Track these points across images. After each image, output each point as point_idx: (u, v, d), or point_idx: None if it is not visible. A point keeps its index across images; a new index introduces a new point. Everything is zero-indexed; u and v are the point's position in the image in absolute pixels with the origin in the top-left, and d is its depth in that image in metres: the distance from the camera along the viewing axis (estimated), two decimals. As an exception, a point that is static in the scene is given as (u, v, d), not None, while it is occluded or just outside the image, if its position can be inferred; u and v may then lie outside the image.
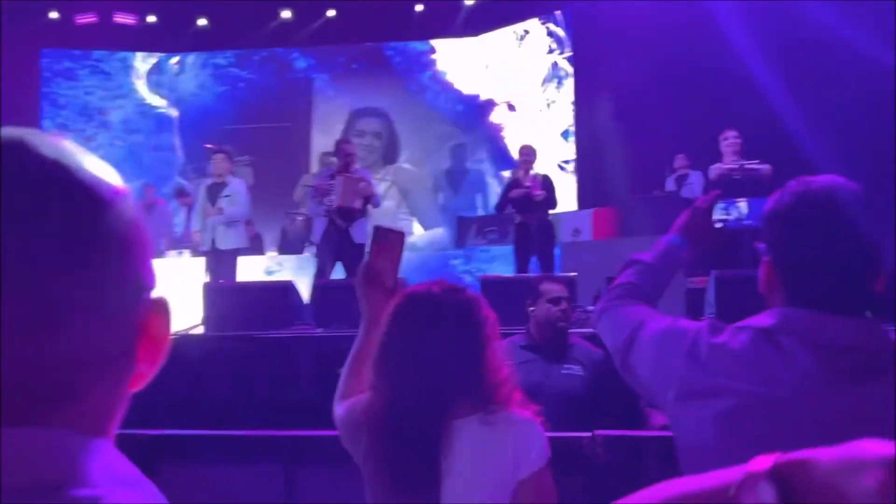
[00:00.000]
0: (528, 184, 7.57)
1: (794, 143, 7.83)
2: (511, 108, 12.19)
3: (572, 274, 5.32)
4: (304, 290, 6.51)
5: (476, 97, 12.57)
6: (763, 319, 1.43)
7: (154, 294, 0.61)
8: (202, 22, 12.70)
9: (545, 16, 11.69)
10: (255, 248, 9.96)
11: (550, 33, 11.73)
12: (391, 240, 1.84)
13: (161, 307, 0.61)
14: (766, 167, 6.75)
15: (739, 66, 8.56)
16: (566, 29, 11.51)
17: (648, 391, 1.58)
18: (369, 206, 7.38)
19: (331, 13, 12.47)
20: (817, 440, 0.70)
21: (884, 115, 7.41)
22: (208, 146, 8.71)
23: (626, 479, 2.37)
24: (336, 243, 7.23)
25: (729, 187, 6.21)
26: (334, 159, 7.78)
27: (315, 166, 11.64)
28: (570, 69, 11.42)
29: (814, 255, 1.41)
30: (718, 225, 1.77)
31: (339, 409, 1.84)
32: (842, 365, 1.34)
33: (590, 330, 4.25)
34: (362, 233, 7.31)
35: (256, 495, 2.82)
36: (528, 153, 7.76)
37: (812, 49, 8.06)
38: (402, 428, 1.70)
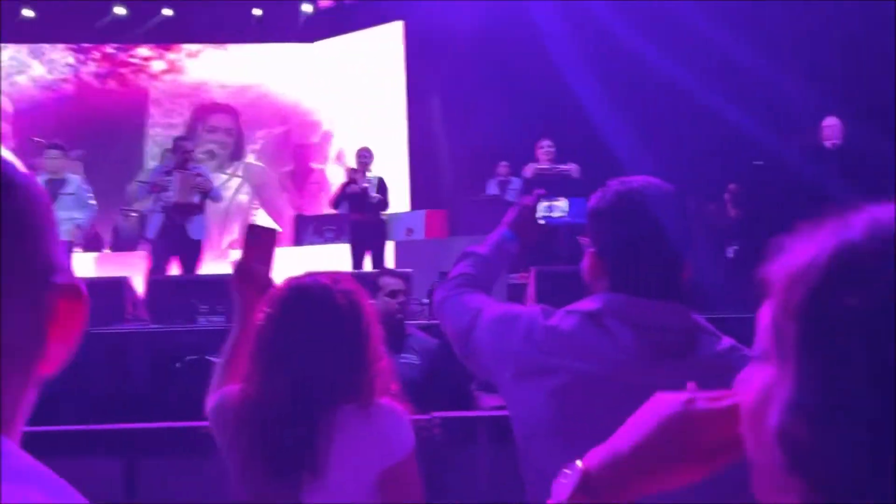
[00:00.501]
0: (364, 184, 7.64)
1: (608, 148, 8.26)
2: (343, 112, 12.14)
3: (408, 270, 5.38)
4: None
5: (313, 100, 12.43)
6: (589, 304, 1.51)
7: (66, 278, 0.57)
8: (28, 13, 11.77)
9: (380, 25, 11.72)
10: (94, 244, 9.38)
11: (385, 42, 11.77)
12: (264, 238, 1.81)
13: (73, 290, 0.57)
14: (574, 167, 7.36)
15: (560, 78, 8.92)
16: (401, 38, 11.59)
17: (488, 372, 1.62)
18: (208, 202, 7.16)
19: (167, 12, 11.90)
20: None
21: (685, 122, 8.00)
22: (37, 140, 8.08)
23: (461, 455, 2.42)
24: (173, 240, 6.95)
25: (547, 186, 6.57)
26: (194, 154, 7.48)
27: (149, 162, 11.10)
28: (403, 76, 11.51)
29: (632, 246, 1.50)
30: (542, 221, 1.86)
31: (210, 400, 1.76)
32: (657, 343, 1.43)
33: (425, 321, 4.31)
34: (200, 229, 7.08)
35: (94, 490, 2.65)
36: (365, 155, 7.83)
37: (625, 65, 8.55)
38: (282, 418, 1.63)
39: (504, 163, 8.83)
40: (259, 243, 1.80)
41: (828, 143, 6.64)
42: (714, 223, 7.34)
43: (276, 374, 1.65)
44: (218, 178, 9.67)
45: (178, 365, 4.07)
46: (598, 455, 0.72)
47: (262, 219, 11.22)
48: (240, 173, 12.27)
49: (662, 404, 0.71)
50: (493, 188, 8.55)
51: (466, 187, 9.17)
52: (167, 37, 12.19)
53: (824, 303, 0.50)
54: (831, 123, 6.67)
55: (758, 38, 7.84)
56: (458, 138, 9.97)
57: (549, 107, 8.71)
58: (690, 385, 0.73)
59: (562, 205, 1.90)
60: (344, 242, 8.18)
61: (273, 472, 1.62)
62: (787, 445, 0.52)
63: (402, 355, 3.44)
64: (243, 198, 12.09)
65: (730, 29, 7.86)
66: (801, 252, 0.53)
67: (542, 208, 1.99)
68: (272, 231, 1.84)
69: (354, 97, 12.05)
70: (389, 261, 7.78)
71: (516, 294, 5.53)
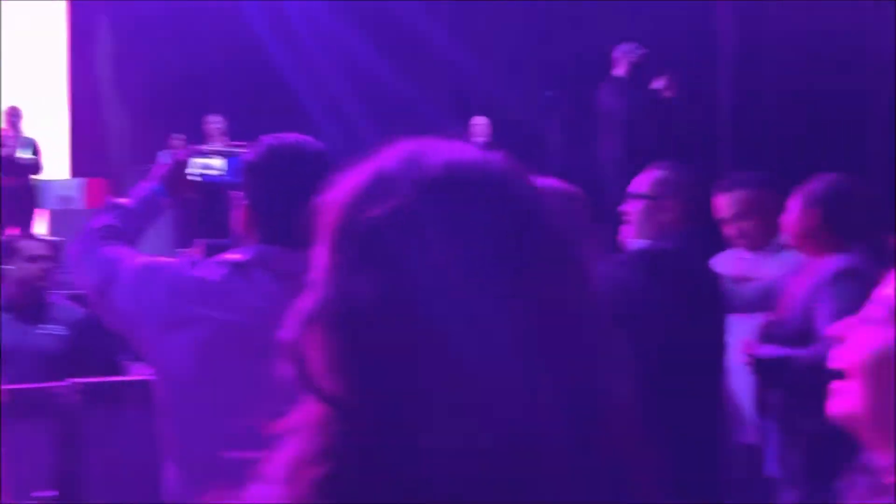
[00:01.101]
0: (10, 146, 6.89)
1: (299, 122, 8.19)
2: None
3: (59, 239, 4.90)
4: None
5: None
6: (238, 255, 1.53)
7: None
8: None
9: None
10: None
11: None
12: None
13: None
14: (245, 146, 7.33)
15: (246, 44, 8.63)
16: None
17: (129, 325, 1.56)
18: None
19: None
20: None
21: (382, 112, 8.16)
22: None
23: (105, 421, 2.30)
24: None
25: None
26: None
27: None
28: (66, 32, 10.44)
29: (281, 199, 1.53)
30: (197, 178, 1.85)
31: None
32: (301, 293, 1.45)
33: (74, 291, 3.96)
34: None
35: None
36: (13, 114, 7.11)
37: (319, 38, 8.54)
38: None
39: (178, 134, 8.44)
40: None
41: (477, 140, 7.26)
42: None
43: None
44: None
45: None
46: None
47: None
48: None
49: None
50: (165, 160, 8.14)
51: (136, 158, 8.60)
52: None
53: (352, 219, 0.53)
54: (479, 122, 7.26)
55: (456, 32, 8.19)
56: (130, 106, 9.31)
57: (230, 76, 8.46)
58: None
59: (218, 163, 1.87)
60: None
61: None
62: (295, 357, 0.53)
63: (44, 325, 3.15)
64: None
65: (434, 21, 8.14)
66: (343, 184, 0.56)
67: (197, 165, 1.96)
68: None
69: (5, 52, 10.68)
70: (42, 230, 7.07)
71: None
